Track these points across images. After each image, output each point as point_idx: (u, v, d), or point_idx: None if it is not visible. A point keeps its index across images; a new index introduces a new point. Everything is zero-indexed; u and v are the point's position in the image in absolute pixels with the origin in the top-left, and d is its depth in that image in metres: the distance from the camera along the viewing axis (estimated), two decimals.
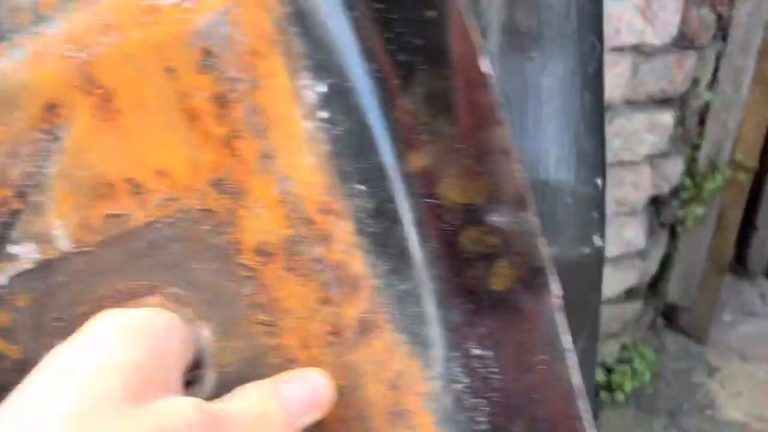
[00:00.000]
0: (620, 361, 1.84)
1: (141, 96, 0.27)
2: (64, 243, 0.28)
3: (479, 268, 0.31)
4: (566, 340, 0.32)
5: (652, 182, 1.57)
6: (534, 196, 0.59)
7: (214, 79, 0.27)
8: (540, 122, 0.60)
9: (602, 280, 0.69)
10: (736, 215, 1.80)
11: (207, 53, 0.27)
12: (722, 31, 1.52)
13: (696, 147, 1.65)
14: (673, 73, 1.42)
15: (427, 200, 0.30)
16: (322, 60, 0.28)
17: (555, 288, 0.32)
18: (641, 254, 1.69)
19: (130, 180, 0.28)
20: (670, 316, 2.03)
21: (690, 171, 1.67)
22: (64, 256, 0.28)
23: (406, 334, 0.31)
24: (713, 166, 1.66)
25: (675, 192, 1.68)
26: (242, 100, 0.27)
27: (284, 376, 0.29)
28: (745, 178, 1.75)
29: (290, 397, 0.28)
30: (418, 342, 0.31)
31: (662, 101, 1.47)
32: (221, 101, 0.27)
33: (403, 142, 0.30)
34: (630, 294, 1.77)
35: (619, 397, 1.78)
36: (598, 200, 0.63)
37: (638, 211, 1.61)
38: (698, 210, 1.69)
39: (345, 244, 0.29)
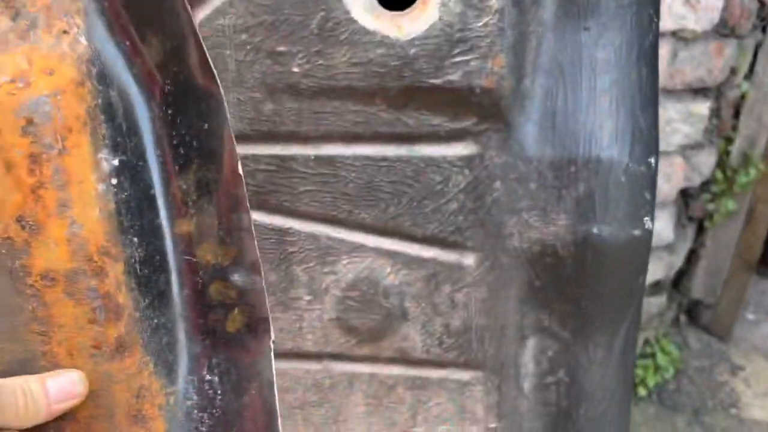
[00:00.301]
0: (643, 355, 1.80)
1: None
2: None
3: (219, 314, 0.42)
4: (272, 373, 0.42)
5: (683, 174, 1.54)
6: (587, 172, 0.56)
7: (32, 141, 0.36)
8: (594, 95, 0.57)
9: (648, 266, 0.66)
10: (767, 211, 1.76)
11: (30, 122, 0.35)
12: (763, 21, 1.48)
13: (729, 140, 1.60)
14: (712, 62, 1.38)
15: (187, 257, 0.41)
16: (119, 142, 0.37)
17: (271, 334, 0.42)
18: (669, 248, 1.66)
19: None
20: (693, 312, 1.99)
21: (722, 164, 1.63)
22: None
23: (154, 357, 0.40)
24: (746, 160, 1.62)
25: (705, 185, 1.64)
26: (52, 161, 0.36)
27: (49, 373, 0.38)
28: None
29: (52, 385, 0.37)
30: (163, 364, 0.41)
31: (698, 90, 1.43)
32: (35, 159, 0.36)
33: (175, 212, 0.40)
34: (655, 288, 1.74)
35: (642, 392, 1.74)
36: (650, 180, 0.60)
37: (668, 204, 1.57)
38: (729, 204, 1.65)
39: (116, 280, 0.38)
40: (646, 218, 0.60)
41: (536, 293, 0.62)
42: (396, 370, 0.65)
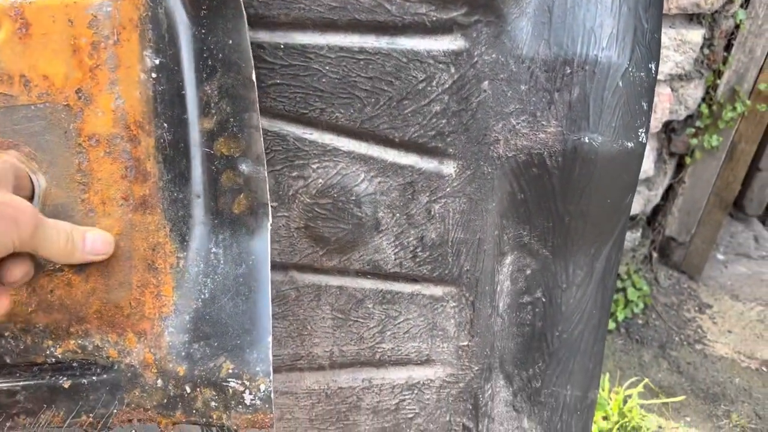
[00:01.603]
0: None
1: (47, 30, 0.46)
2: None
3: (228, 197, 0.51)
4: (268, 249, 0.51)
5: (669, 106, 1.49)
6: (582, 74, 0.50)
7: (95, 32, 0.46)
8: None
9: (637, 184, 0.62)
10: (749, 149, 1.74)
11: (95, 18, 0.46)
12: None
13: (718, 73, 1.56)
14: None
15: (206, 149, 0.50)
16: (161, 47, 0.48)
17: (269, 217, 0.51)
18: (647, 182, 1.63)
19: (24, 76, 0.47)
20: (665, 250, 1.99)
21: (708, 98, 1.59)
22: None
23: (170, 223, 0.50)
24: (733, 95, 1.58)
25: (689, 120, 1.60)
26: (108, 48, 0.47)
27: (90, 228, 0.49)
28: (765, 111, 1.67)
29: (89, 238, 0.48)
30: (178, 232, 0.51)
31: (693, 16, 1.37)
32: (95, 46, 0.47)
33: (199, 111, 0.49)
34: (631, 222, 1.72)
35: (610, 325, 1.75)
36: (649, 89, 0.55)
37: (651, 137, 1.54)
38: (712, 140, 1.62)
39: (146, 150, 0.49)
40: (641, 130, 0.56)
41: (518, 207, 0.58)
42: (366, 284, 0.61)
